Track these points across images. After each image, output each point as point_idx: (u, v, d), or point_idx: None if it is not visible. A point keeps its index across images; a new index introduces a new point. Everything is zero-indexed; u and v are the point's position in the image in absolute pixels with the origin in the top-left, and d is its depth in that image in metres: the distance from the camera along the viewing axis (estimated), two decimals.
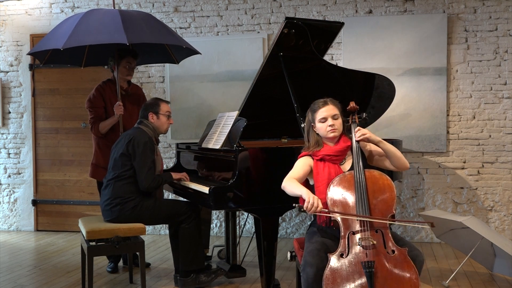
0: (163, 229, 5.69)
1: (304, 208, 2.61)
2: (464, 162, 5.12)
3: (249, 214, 4.25)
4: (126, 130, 4.00)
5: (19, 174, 6.03)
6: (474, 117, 5.09)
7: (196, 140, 4.59)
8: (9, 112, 6.01)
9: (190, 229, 3.69)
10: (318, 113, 2.89)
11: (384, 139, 2.91)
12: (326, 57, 4.56)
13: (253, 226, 4.24)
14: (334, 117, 2.87)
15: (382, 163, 2.96)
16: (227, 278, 3.96)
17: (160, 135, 4.04)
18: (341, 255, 2.59)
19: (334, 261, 2.57)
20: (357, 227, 2.63)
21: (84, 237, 3.60)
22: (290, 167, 2.92)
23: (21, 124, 5.99)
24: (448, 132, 5.12)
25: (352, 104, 2.93)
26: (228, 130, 3.68)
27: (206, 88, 5.53)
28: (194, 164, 4.22)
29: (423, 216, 4.15)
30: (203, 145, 3.98)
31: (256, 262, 3.68)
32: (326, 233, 2.80)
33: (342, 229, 2.65)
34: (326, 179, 2.78)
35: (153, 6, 5.69)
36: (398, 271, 2.55)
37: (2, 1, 5.96)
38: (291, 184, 2.78)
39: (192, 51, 4.35)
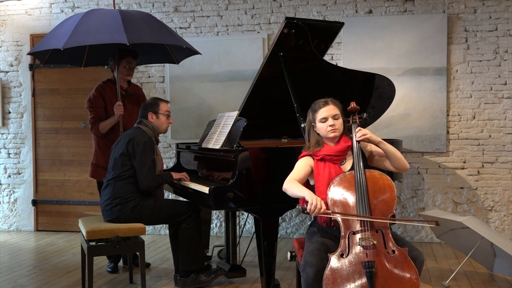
0: (163, 229, 5.69)
1: (308, 210, 2.61)
2: (464, 162, 5.12)
3: (249, 214, 4.24)
4: (126, 130, 4.00)
5: (19, 174, 6.03)
6: (474, 117, 5.09)
7: (196, 140, 4.58)
8: (9, 112, 6.01)
9: (190, 229, 3.69)
10: (318, 113, 2.89)
11: (384, 139, 2.92)
12: (326, 57, 4.56)
13: (253, 226, 4.24)
14: (334, 117, 2.87)
15: (382, 164, 2.96)
16: (227, 278, 3.96)
17: (160, 135, 4.04)
18: (342, 255, 2.59)
19: (334, 261, 2.57)
20: (358, 227, 2.63)
21: (84, 237, 3.60)
22: (290, 167, 2.92)
23: (21, 124, 5.99)
24: (448, 132, 5.12)
25: (353, 105, 2.93)
26: (228, 130, 3.68)
27: (206, 88, 5.53)
28: (194, 164, 4.22)
29: (423, 216, 4.15)
30: (203, 145, 3.98)
31: (256, 262, 3.68)
32: (327, 233, 2.80)
33: (342, 229, 2.65)
34: (327, 179, 2.78)
35: (153, 6, 5.68)
36: (398, 271, 2.55)
37: (2, 1, 5.96)
38: (293, 186, 2.77)
39: (192, 51, 4.35)
